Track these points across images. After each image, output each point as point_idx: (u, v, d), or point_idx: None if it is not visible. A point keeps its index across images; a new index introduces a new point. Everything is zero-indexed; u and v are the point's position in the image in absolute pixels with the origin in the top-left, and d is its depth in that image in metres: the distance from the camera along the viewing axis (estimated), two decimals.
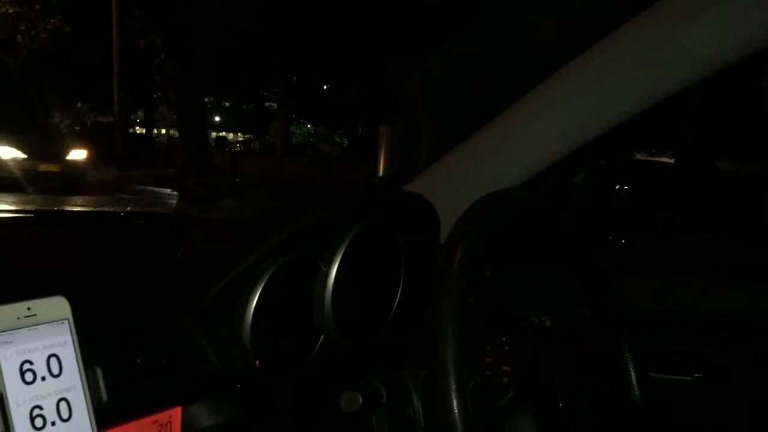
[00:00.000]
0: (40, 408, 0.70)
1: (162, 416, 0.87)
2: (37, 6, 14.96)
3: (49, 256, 1.01)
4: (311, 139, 33.03)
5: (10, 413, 0.67)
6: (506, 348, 1.04)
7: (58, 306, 0.74)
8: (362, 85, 20.93)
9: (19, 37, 15.23)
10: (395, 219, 1.18)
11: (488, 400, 1.01)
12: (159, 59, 15.43)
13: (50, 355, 0.72)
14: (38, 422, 0.69)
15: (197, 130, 16.08)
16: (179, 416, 0.89)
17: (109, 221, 1.31)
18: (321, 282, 1.10)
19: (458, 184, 1.23)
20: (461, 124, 1.20)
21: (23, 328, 0.70)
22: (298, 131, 32.16)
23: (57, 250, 1.05)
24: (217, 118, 31.36)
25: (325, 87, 25.27)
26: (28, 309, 0.71)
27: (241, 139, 33.98)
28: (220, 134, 33.75)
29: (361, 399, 0.95)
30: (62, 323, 0.74)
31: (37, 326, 0.72)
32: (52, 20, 15.24)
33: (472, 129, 1.20)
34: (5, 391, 0.67)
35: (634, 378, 1.09)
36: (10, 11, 14.85)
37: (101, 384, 0.75)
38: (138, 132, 27.42)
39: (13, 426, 0.67)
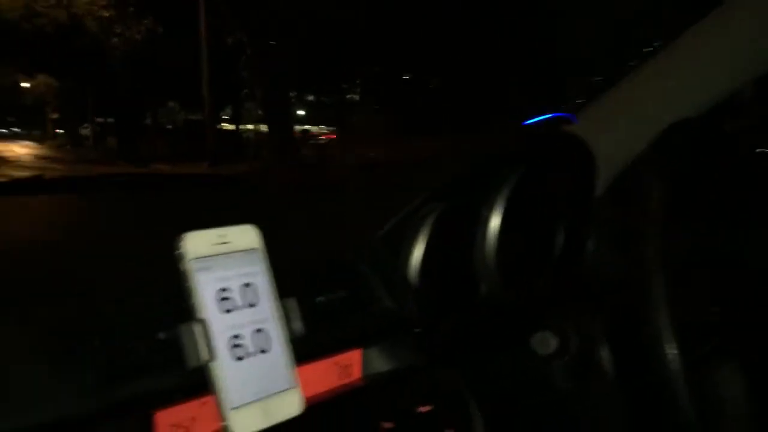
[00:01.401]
0: (238, 338, 0.67)
1: (342, 358, 0.84)
2: (131, 9, 15.52)
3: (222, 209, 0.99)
4: None
5: (212, 341, 0.64)
6: (713, 287, 0.95)
7: (250, 234, 0.71)
8: (445, 75, 20.76)
9: (114, 40, 15.85)
10: (556, 161, 1.11)
11: (693, 344, 0.92)
12: (245, 55, 15.75)
13: (245, 284, 0.69)
14: (238, 352, 0.66)
15: (284, 124, 16.34)
16: (359, 359, 0.85)
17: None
18: (483, 228, 1.05)
19: (621, 122, 1.14)
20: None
21: (218, 255, 0.68)
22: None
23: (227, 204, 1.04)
24: (301, 112, 31.83)
25: (406, 77, 25.22)
26: (222, 236, 0.68)
27: (325, 131, 34.37)
28: (304, 127, 34.26)
29: (554, 341, 0.89)
30: (254, 252, 0.71)
31: (231, 254, 0.69)
32: (144, 22, 15.78)
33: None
34: (207, 318, 0.65)
35: None
36: (106, 15, 15.47)
37: (296, 316, 0.71)
38: (226, 128, 28.16)
39: (217, 354, 0.64)
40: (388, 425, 0.77)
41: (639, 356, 0.76)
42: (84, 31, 16.05)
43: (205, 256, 0.67)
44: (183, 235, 0.65)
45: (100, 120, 26.15)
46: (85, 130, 26.51)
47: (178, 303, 0.71)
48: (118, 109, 22.63)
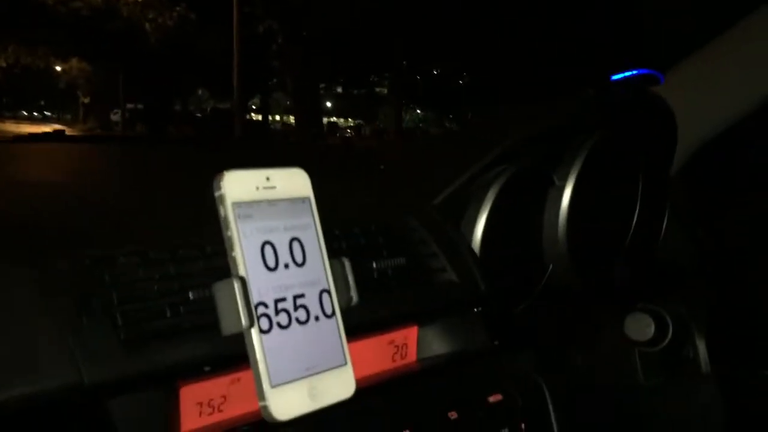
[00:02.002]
0: (283, 302, 0.55)
1: (398, 336, 0.72)
2: None
3: None
4: (420, 124, 32.89)
5: (253, 304, 0.53)
6: None
7: (299, 180, 0.59)
8: (475, 70, 20.55)
9: (147, 25, 15.89)
10: (637, 128, 0.98)
11: None
12: (276, 45, 15.70)
13: (292, 239, 0.57)
14: (283, 319, 0.55)
15: (312, 115, 16.28)
16: (415, 337, 0.74)
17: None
18: (554, 200, 0.92)
19: (713, 85, 1.01)
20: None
21: (262, 201, 0.56)
22: (407, 116, 32.06)
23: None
24: (328, 104, 31.78)
25: (435, 72, 25.04)
26: (267, 179, 0.57)
27: (352, 124, 34.29)
28: (331, 119, 34.19)
29: (653, 325, 0.76)
30: (304, 202, 0.59)
31: (278, 202, 0.57)
32: (177, 8, 15.80)
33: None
34: (248, 275, 0.53)
35: None
36: (140, 0, 15.51)
37: (350, 280, 0.59)
38: (254, 118, 28.20)
39: (257, 320, 0.53)
40: (452, 416, 0.65)
41: (751, 348, 0.63)
42: (118, 16, 16.10)
43: (247, 202, 0.55)
44: (222, 174, 0.54)
45: (130, 106, 26.30)
46: (116, 116, 26.69)
47: (213, 256, 0.60)
48: (148, 96, 22.73)
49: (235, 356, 0.54)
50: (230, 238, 0.54)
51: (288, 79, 16.60)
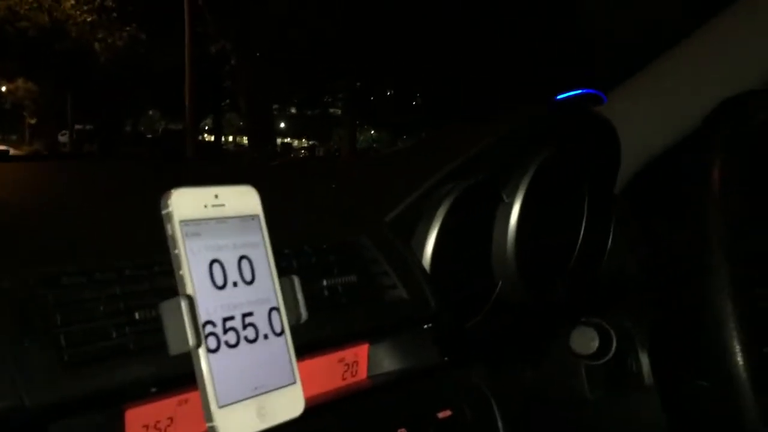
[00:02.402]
0: (232, 320, 0.55)
1: (348, 354, 0.72)
2: (114, 14, 15.35)
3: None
4: (375, 145, 33.03)
5: (201, 323, 0.52)
6: None
7: (248, 197, 0.59)
8: (428, 90, 20.76)
9: (96, 45, 15.66)
10: (584, 147, 1.01)
11: (759, 339, 0.81)
12: (230, 65, 15.63)
13: (241, 257, 0.57)
14: (231, 338, 0.54)
15: (266, 135, 16.20)
16: (366, 355, 0.74)
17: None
18: (503, 216, 0.94)
19: (651, 109, 1.04)
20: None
21: (211, 219, 0.56)
22: (361, 137, 32.15)
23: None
24: (282, 125, 31.68)
25: (389, 93, 25.22)
26: (216, 197, 0.57)
27: (306, 145, 34.22)
28: (285, 140, 34.05)
29: (597, 339, 0.78)
30: (253, 220, 0.59)
31: (227, 219, 0.57)
32: (128, 28, 15.61)
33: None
34: (195, 294, 0.53)
35: None
36: (88, 20, 15.29)
37: (299, 297, 0.59)
38: (206, 139, 27.94)
39: (204, 339, 0.52)
40: None
41: (688, 359, 0.65)
42: (66, 36, 15.84)
43: (195, 220, 0.55)
44: (170, 192, 0.54)
45: (78, 127, 25.80)
46: (63, 137, 26.15)
47: (161, 275, 0.59)
48: (98, 116, 22.34)
49: (182, 377, 0.54)
50: (177, 257, 0.53)
51: (241, 100, 16.51)
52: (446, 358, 0.75)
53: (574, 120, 0.99)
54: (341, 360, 0.71)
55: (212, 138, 27.30)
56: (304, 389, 0.63)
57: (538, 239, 0.98)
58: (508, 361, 0.87)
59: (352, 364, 0.72)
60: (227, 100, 23.28)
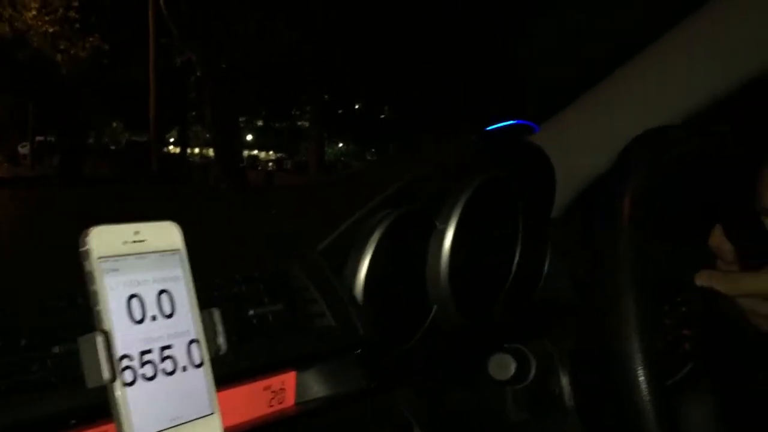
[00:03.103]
0: (149, 354, 0.56)
1: (274, 382, 0.74)
2: (77, 25, 15.18)
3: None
4: (342, 158, 33.06)
5: (117, 357, 0.54)
6: (684, 309, 0.88)
7: (170, 233, 0.61)
8: (397, 103, 20.89)
9: (59, 57, 15.45)
10: (516, 174, 1.04)
11: (666, 371, 0.84)
12: (195, 77, 15.54)
13: (161, 291, 0.59)
14: (148, 371, 0.56)
15: (232, 148, 16.11)
16: (293, 382, 0.76)
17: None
18: (436, 243, 0.96)
19: (583, 138, 1.08)
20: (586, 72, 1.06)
21: (131, 255, 0.57)
22: (329, 150, 32.16)
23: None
24: (249, 137, 31.57)
25: (357, 106, 25.31)
26: (136, 233, 0.58)
27: (273, 157, 34.11)
28: (252, 153, 33.92)
29: (514, 364, 0.80)
30: (173, 254, 0.61)
31: (147, 255, 0.58)
32: (90, 39, 15.44)
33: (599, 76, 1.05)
34: (112, 330, 0.54)
35: None
36: (50, 30, 15.09)
37: (219, 329, 0.61)
38: (172, 151, 27.69)
39: (120, 373, 0.53)
40: None
41: (603, 385, 0.68)
42: (27, 46, 15.61)
43: (115, 256, 0.56)
44: (89, 230, 0.55)
45: (40, 138, 25.38)
46: (24, 149, 25.70)
47: (84, 307, 0.60)
48: (60, 128, 22.00)
49: (102, 409, 0.55)
50: (95, 293, 0.54)
51: (206, 112, 16.42)
52: (372, 384, 0.77)
53: (505, 149, 1.03)
54: (268, 387, 0.73)
55: (178, 150, 27.06)
56: (230, 418, 0.65)
57: (473, 264, 1.00)
58: (436, 385, 0.90)
59: (279, 391, 0.74)
60: (193, 112, 23.14)
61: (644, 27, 1.11)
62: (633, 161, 0.76)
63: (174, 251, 0.61)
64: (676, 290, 0.91)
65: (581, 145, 1.11)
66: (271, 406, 0.73)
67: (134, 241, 0.58)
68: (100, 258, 0.55)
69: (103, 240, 0.56)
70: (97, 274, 0.54)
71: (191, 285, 0.61)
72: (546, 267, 1.15)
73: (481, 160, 1.01)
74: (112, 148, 26.30)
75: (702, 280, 0.82)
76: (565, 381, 0.88)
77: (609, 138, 1.07)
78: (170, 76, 16.81)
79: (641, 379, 0.64)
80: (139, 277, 0.57)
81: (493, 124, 0.94)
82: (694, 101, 0.98)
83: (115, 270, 0.56)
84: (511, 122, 0.95)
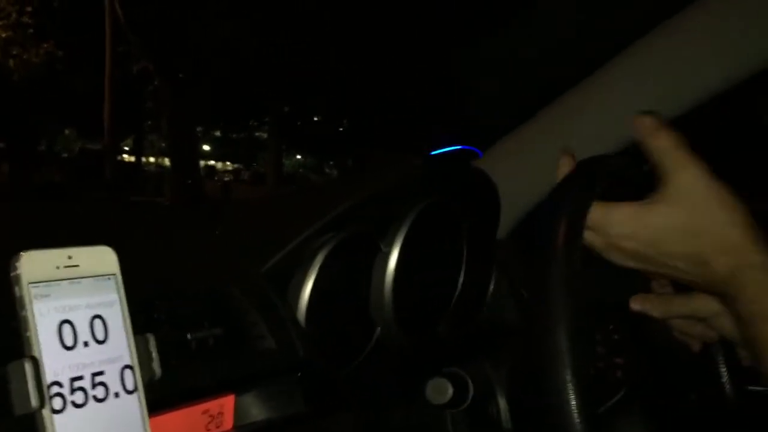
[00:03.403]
0: (80, 380, 0.56)
1: (213, 405, 0.73)
2: (30, 31, 14.87)
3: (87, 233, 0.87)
4: (301, 170, 32.96)
5: (45, 385, 0.53)
6: (615, 336, 0.91)
7: (104, 258, 0.60)
8: (356, 117, 20.95)
9: (10, 62, 15.10)
10: (460, 197, 1.06)
11: (598, 398, 0.86)
12: (152, 86, 15.34)
13: (94, 317, 0.58)
14: (78, 398, 0.55)
15: (188, 158, 15.93)
16: (232, 406, 0.75)
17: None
18: (381, 265, 0.97)
19: (527, 162, 1.11)
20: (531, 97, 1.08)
21: (63, 280, 0.57)
22: (288, 161, 32.02)
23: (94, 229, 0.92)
24: (206, 147, 31.26)
25: (315, 119, 25.26)
26: (69, 258, 0.58)
27: (230, 168, 33.81)
28: (209, 163, 33.57)
29: (451, 388, 0.81)
30: (108, 279, 0.60)
31: (80, 280, 0.58)
32: (45, 45, 15.13)
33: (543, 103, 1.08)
34: (41, 357, 0.54)
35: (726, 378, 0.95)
36: (3, 35, 14.75)
37: (154, 355, 0.61)
38: (127, 159, 27.24)
39: (48, 401, 0.53)
40: None
41: (537, 410, 0.69)
42: None
43: (46, 281, 0.56)
44: (20, 255, 0.54)
45: None
46: None
47: (9, 337, 0.60)
48: (11, 135, 21.42)
49: None
50: (24, 318, 0.54)
51: (163, 122, 16.21)
52: (311, 407, 0.77)
53: (448, 173, 1.05)
54: (206, 411, 0.72)
55: (133, 159, 26.61)
56: None
57: (417, 286, 1.02)
58: (377, 407, 0.90)
59: (218, 415, 0.73)
60: (149, 121, 22.82)
61: (585, 54, 1.14)
62: (570, 187, 0.78)
63: (109, 276, 0.60)
64: (608, 316, 0.94)
65: (525, 169, 1.13)
66: (209, 430, 0.73)
67: (67, 266, 0.57)
68: (30, 283, 0.54)
69: (35, 265, 0.55)
70: (27, 300, 0.54)
71: (126, 310, 0.60)
72: (491, 288, 1.17)
73: (426, 184, 1.03)
74: (65, 155, 25.72)
75: (636, 304, 0.84)
76: (503, 403, 0.90)
77: (553, 163, 1.09)
78: (127, 84, 16.56)
79: (571, 407, 0.65)
80: (72, 302, 0.57)
81: (438, 149, 0.95)
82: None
83: (47, 296, 0.55)
84: (456, 147, 0.97)
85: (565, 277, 0.70)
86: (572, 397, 0.65)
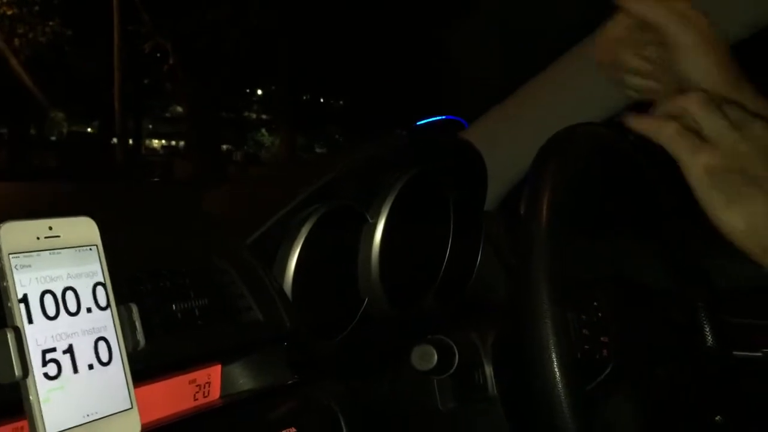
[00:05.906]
0: (64, 349, 0.57)
1: (200, 375, 0.75)
2: (36, 8, 14.71)
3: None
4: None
5: (29, 354, 0.54)
6: (600, 315, 0.91)
7: (86, 228, 0.61)
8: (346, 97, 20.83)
9: (16, 41, 14.94)
10: (446, 168, 1.06)
11: (584, 377, 0.87)
12: (168, 66, 15.15)
13: (77, 287, 0.59)
14: (62, 367, 0.56)
15: (209, 141, 15.85)
16: (219, 375, 0.77)
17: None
18: (367, 236, 0.98)
19: (512, 134, 1.11)
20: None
21: (44, 250, 0.57)
22: (277, 140, 31.78)
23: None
24: None
25: (305, 97, 25.01)
26: (50, 228, 0.58)
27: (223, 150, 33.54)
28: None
29: (436, 355, 0.82)
30: (90, 249, 0.61)
31: (61, 250, 0.59)
32: (51, 23, 14.97)
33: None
34: (24, 327, 0.54)
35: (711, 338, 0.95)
36: (8, 13, 14.59)
37: (138, 324, 0.61)
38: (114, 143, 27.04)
39: (32, 370, 0.54)
40: None
41: (523, 381, 0.70)
42: None
43: (27, 252, 0.56)
44: None
45: None
46: None
47: None
48: (12, 118, 21.31)
49: (16, 405, 0.55)
50: (6, 289, 0.55)
51: (183, 104, 16.07)
52: (298, 377, 0.78)
53: (434, 143, 1.05)
54: (192, 381, 0.74)
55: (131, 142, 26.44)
56: (153, 412, 0.65)
57: (404, 257, 1.02)
58: (365, 377, 0.91)
59: (204, 384, 0.75)
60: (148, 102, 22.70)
61: (573, 26, 1.14)
62: (551, 160, 0.78)
63: (90, 246, 0.61)
64: (590, 293, 0.95)
65: (514, 140, 1.14)
66: (196, 399, 0.74)
67: (48, 237, 0.58)
68: (11, 254, 0.55)
69: (15, 235, 0.56)
70: (7, 270, 0.55)
71: (108, 280, 0.61)
72: (478, 259, 1.18)
73: (412, 155, 1.03)
74: (52, 138, 25.31)
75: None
76: (489, 371, 0.91)
77: (541, 133, 1.09)
78: (137, 64, 16.42)
79: (556, 382, 0.66)
80: (53, 273, 0.58)
81: (424, 119, 0.95)
82: (622, 100, 1.01)
83: (27, 266, 0.56)
84: (441, 117, 0.97)
85: (551, 245, 0.70)
86: (557, 363, 0.66)
